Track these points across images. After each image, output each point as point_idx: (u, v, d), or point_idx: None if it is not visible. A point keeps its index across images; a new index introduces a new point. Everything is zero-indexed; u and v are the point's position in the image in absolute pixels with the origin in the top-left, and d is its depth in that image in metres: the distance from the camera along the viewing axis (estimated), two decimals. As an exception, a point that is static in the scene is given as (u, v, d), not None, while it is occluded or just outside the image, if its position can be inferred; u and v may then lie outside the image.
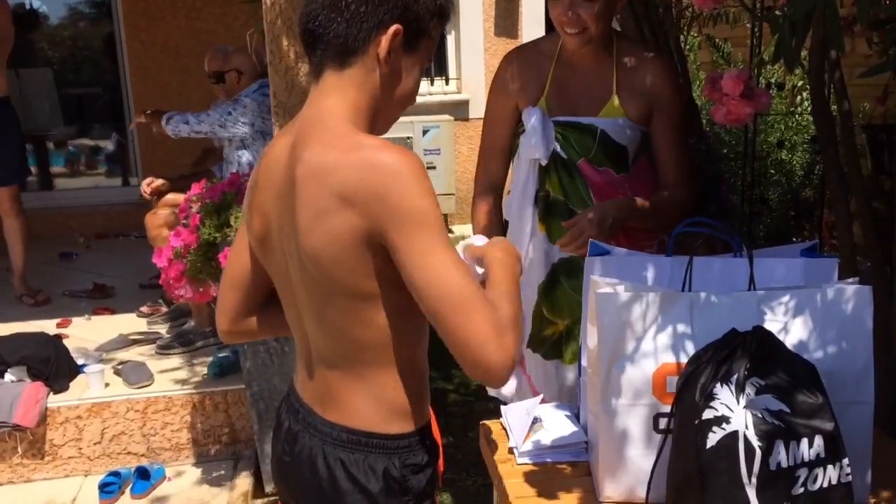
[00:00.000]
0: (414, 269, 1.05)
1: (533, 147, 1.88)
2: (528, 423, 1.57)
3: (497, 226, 2.03)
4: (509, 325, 1.07)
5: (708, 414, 1.16)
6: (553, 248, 1.93)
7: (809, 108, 3.47)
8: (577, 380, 1.74)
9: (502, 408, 1.69)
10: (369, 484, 1.16)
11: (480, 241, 1.28)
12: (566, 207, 1.91)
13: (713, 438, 1.15)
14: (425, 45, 1.18)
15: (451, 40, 6.72)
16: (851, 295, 1.30)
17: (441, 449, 1.29)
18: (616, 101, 1.86)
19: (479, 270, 1.22)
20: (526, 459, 1.51)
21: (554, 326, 1.99)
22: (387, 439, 1.18)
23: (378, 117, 1.19)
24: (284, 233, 1.17)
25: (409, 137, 6.11)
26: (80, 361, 3.26)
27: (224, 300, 1.34)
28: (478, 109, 6.73)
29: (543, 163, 1.90)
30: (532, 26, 6.33)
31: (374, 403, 1.18)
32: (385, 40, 1.12)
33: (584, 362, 1.49)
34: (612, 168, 1.88)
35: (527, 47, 2.05)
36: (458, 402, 3.36)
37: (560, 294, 1.95)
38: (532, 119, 1.88)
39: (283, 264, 1.21)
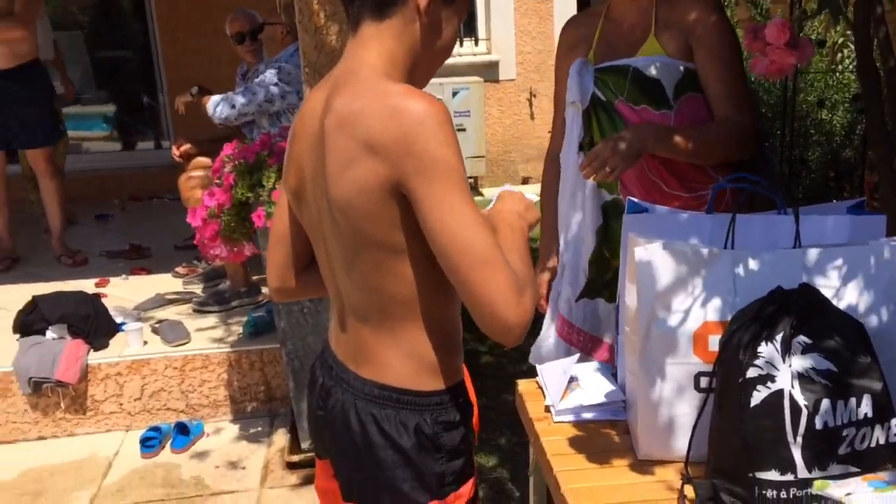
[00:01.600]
0: (435, 220, 1.04)
1: (570, 91, 1.91)
2: (564, 382, 1.57)
3: (553, 189, 2.06)
4: (526, 286, 1.07)
5: (752, 372, 1.15)
6: (602, 192, 1.93)
7: (851, 66, 3.37)
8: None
9: (538, 367, 1.69)
10: (401, 440, 1.16)
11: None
12: None
13: (757, 397, 1.14)
14: None
15: (480, 0, 6.61)
16: (901, 253, 1.27)
17: (476, 408, 1.28)
18: (655, 40, 1.86)
19: None
20: (563, 418, 1.51)
21: (614, 267, 1.98)
22: (418, 396, 1.18)
23: (416, 70, 1.17)
24: (317, 184, 1.16)
25: (438, 99, 6.05)
26: (118, 320, 3.32)
27: (272, 257, 1.35)
28: (508, 71, 6.63)
29: (581, 106, 1.91)
30: (563, -16, 6.21)
31: (405, 359, 1.18)
32: None
33: (622, 321, 1.48)
34: (649, 105, 1.86)
35: (581, 13, 2.12)
36: (491, 364, 3.38)
37: (614, 234, 1.94)
38: (572, 67, 1.91)
39: (317, 217, 1.20)
